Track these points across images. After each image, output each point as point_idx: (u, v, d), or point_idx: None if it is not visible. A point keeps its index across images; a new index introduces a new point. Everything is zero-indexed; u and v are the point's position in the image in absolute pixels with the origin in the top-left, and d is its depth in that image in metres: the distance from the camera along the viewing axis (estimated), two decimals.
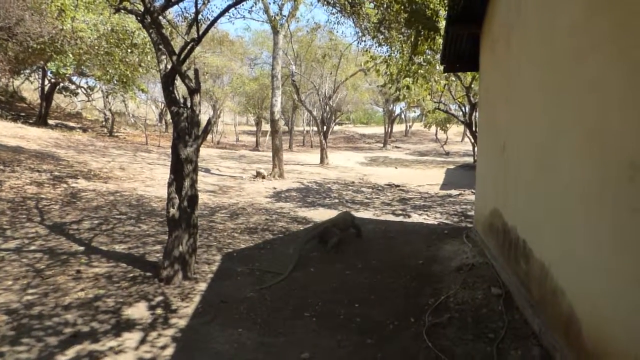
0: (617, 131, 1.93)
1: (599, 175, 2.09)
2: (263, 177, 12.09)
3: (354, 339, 2.81)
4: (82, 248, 4.50)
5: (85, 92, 18.67)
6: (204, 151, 18.19)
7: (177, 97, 4.00)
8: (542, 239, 2.93)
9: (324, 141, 18.62)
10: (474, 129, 10.56)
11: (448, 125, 25.87)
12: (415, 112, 32.00)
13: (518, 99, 3.61)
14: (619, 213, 1.89)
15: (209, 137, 24.97)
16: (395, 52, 7.94)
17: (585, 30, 2.30)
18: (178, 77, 4.04)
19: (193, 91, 4.01)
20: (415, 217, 7.42)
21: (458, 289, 3.65)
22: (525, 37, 3.44)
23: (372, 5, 6.37)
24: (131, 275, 3.82)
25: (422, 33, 5.10)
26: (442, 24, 5.80)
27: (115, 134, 19.33)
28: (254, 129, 30.27)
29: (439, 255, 4.72)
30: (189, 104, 4.00)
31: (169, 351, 2.61)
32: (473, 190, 8.83)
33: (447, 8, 5.10)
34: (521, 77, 3.52)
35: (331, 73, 20.22)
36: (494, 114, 4.58)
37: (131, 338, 2.74)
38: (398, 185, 12.32)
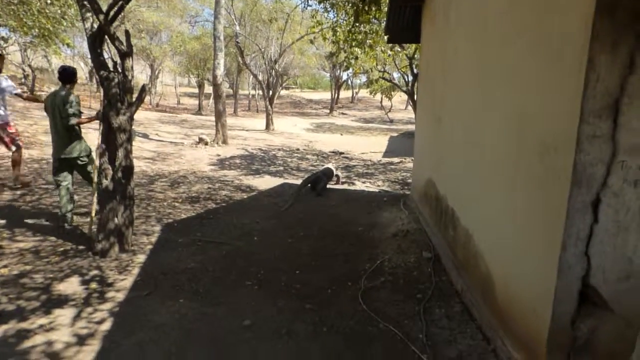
0: (532, 113, 2.11)
1: (515, 153, 2.28)
2: (206, 144, 11.71)
3: (294, 305, 2.94)
4: (3, 221, 4.17)
5: None
6: (141, 114, 17.17)
7: (106, 60, 3.71)
8: (467, 208, 3.18)
9: (269, 106, 18.24)
10: (415, 98, 10.88)
11: (393, 93, 26.40)
12: (361, 79, 32.22)
13: (453, 74, 3.77)
14: (530, 187, 2.10)
15: (147, 99, 23.52)
16: (342, 19, 7.86)
17: (510, 15, 2.43)
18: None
19: (124, 54, 3.72)
20: (359, 185, 7.64)
21: (393, 254, 3.89)
22: (461, 14, 3.55)
23: None
24: (61, 249, 3.64)
25: (364, 3, 5.08)
26: None
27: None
28: (197, 91, 28.88)
29: (377, 222, 4.95)
30: (120, 68, 3.73)
31: (107, 326, 2.56)
32: (413, 158, 9.22)
33: None
34: (456, 52, 3.65)
35: (277, 38, 19.58)
36: (432, 87, 4.75)
37: (64, 315, 2.65)
38: (342, 153, 12.52)
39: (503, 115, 2.49)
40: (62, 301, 2.81)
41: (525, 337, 2.06)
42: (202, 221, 4.78)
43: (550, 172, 1.88)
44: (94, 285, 3.06)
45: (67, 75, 4.10)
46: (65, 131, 4.05)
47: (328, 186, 6.80)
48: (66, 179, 4.18)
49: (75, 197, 4.55)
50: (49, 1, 7.97)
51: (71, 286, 3.02)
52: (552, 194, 1.86)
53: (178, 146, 11.26)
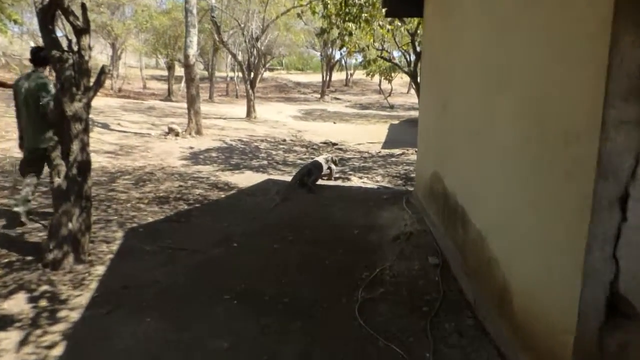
0: (550, 96, 2.10)
1: (532, 142, 2.27)
2: (177, 134, 11.74)
3: (280, 323, 2.91)
4: None
5: None
6: (101, 101, 17.02)
7: (59, 39, 3.65)
8: (479, 206, 3.18)
9: (250, 91, 18.17)
10: (418, 80, 10.89)
11: (393, 75, 26.41)
12: (357, 59, 32.24)
13: (461, 51, 3.76)
14: (550, 181, 2.09)
15: (108, 83, 23.27)
16: None
17: None
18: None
19: (80, 31, 3.66)
20: (355, 181, 7.66)
21: (394, 261, 3.89)
22: None
23: None
24: (6, 260, 3.57)
25: None
26: None
27: None
28: (166, 73, 28.65)
29: (376, 224, 4.95)
30: (75, 47, 3.67)
31: (58, 350, 2.51)
32: (416, 150, 9.26)
33: None
34: (465, 27, 3.64)
35: (259, 12, 19.44)
36: (437, 67, 4.74)
37: (8, 338, 2.59)
38: (335, 144, 12.56)
39: (517, 100, 2.48)
40: (6, 322, 2.75)
41: (548, 354, 2.06)
42: (172, 225, 4.74)
43: (572, 164, 1.87)
44: (43, 302, 3.00)
45: (42, 57, 4.15)
46: (40, 119, 4.12)
47: (319, 182, 6.80)
48: (35, 171, 4.28)
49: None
50: None
51: (17, 304, 2.96)
52: (575, 188, 1.85)
53: (144, 138, 11.21)
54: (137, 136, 11.34)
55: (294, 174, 7.32)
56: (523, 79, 2.44)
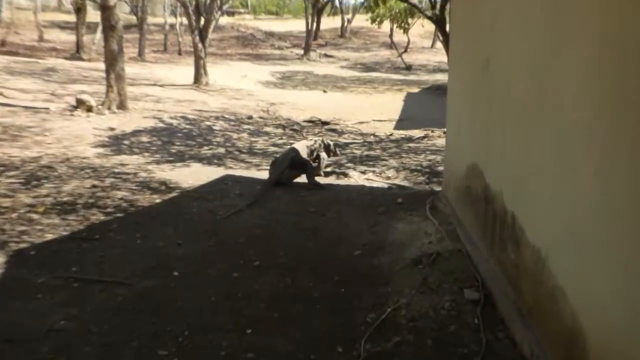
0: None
1: (615, 118, 2.24)
2: (89, 109, 11.70)
3: None
4: None
5: None
6: None
7: None
8: (537, 212, 3.17)
9: (200, 45, 18.12)
10: (447, 29, 10.91)
11: (410, 22, 26.52)
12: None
13: None
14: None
15: None
16: None
17: None
18: None
19: None
20: (355, 177, 7.68)
21: (414, 295, 3.87)
22: None
23: None
24: None
25: None
26: None
27: None
28: (73, 19, 28.47)
29: (387, 240, 4.97)
30: None
31: None
32: (445, 130, 9.29)
33: None
34: None
35: None
36: (474, 9, 4.73)
37: None
38: (327, 122, 12.58)
39: (594, 54, 2.46)
40: None
41: None
42: (81, 245, 4.71)
43: None
44: None
45: None
46: None
47: (297, 180, 6.82)
48: None
49: None
50: None
51: None
52: None
53: (40, 114, 11.18)
54: (28, 112, 11.28)
55: (265, 167, 7.30)
56: (595, 27, 2.41)
